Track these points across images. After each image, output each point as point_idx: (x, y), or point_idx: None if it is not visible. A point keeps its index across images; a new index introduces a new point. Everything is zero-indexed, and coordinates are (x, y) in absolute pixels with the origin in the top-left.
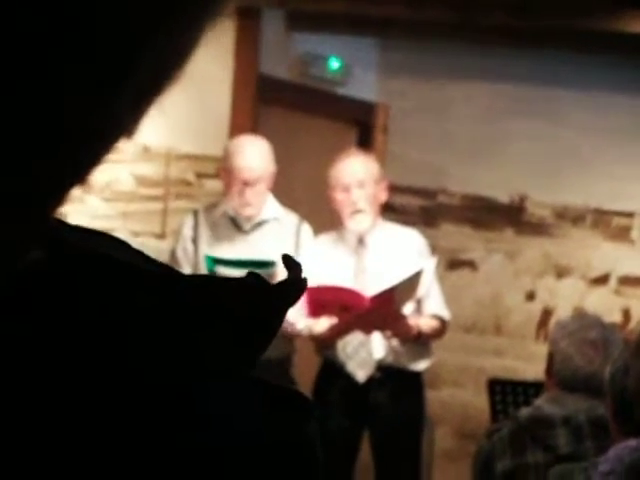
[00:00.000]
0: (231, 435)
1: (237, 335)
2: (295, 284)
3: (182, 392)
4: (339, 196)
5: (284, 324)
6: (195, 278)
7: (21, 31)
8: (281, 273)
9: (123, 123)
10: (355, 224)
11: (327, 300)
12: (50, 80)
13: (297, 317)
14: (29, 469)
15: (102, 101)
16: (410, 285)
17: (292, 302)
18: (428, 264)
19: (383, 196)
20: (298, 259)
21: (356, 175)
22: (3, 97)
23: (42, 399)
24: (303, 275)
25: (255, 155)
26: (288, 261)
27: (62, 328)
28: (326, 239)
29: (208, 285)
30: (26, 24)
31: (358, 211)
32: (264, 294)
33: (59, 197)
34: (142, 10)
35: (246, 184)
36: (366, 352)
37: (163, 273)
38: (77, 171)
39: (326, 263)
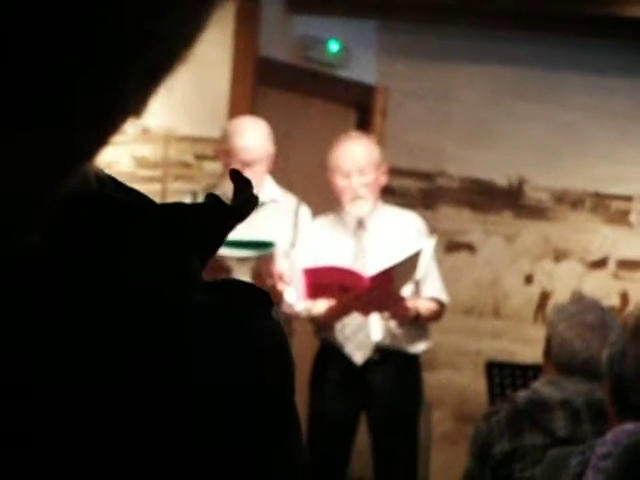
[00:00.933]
0: (220, 353)
1: (195, 247)
2: (246, 202)
3: (178, 311)
4: (339, 182)
5: (284, 305)
6: (162, 204)
7: (42, 15)
8: (280, 252)
9: (132, 102)
10: (355, 209)
11: (326, 281)
12: (65, 62)
13: (296, 299)
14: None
15: (112, 81)
16: (409, 265)
17: (242, 218)
18: (427, 244)
19: (383, 180)
20: (297, 240)
21: (357, 161)
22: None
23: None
24: (253, 193)
25: (254, 136)
26: (238, 181)
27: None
28: (325, 221)
29: (177, 210)
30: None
31: (358, 197)
32: (221, 211)
33: (69, 173)
34: None
35: (245, 165)
36: (364, 334)
37: (132, 200)
38: (87, 147)
39: (325, 245)
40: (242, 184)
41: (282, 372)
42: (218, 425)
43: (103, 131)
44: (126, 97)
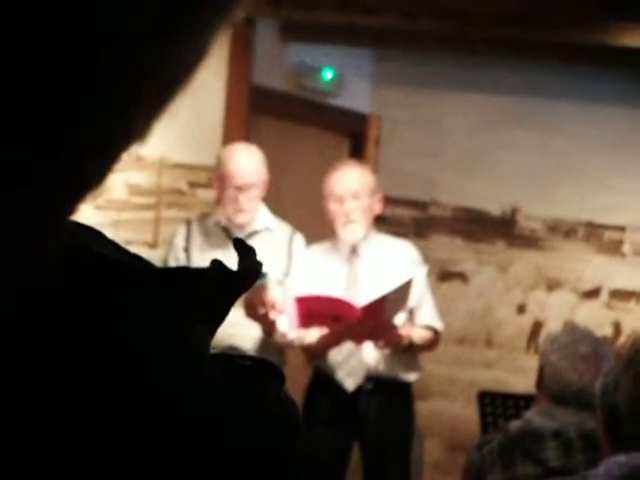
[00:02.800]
0: (220, 418)
1: (202, 315)
2: (250, 270)
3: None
4: (333, 206)
5: (276, 334)
6: (165, 269)
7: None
8: (273, 281)
9: (140, 129)
10: (348, 234)
11: (318, 310)
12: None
13: (288, 328)
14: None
15: (123, 108)
16: (400, 295)
17: (248, 286)
18: (418, 273)
19: (377, 208)
20: (291, 269)
21: (350, 186)
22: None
23: (41, 396)
24: (257, 260)
25: (248, 161)
26: (242, 248)
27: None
28: (319, 249)
29: (176, 275)
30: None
31: (351, 222)
32: (224, 279)
33: (75, 201)
34: (158, 21)
35: (239, 189)
36: (356, 361)
37: (138, 265)
38: (95, 175)
39: (318, 273)
40: (246, 251)
41: (284, 446)
42: None
43: (113, 159)
44: (136, 124)
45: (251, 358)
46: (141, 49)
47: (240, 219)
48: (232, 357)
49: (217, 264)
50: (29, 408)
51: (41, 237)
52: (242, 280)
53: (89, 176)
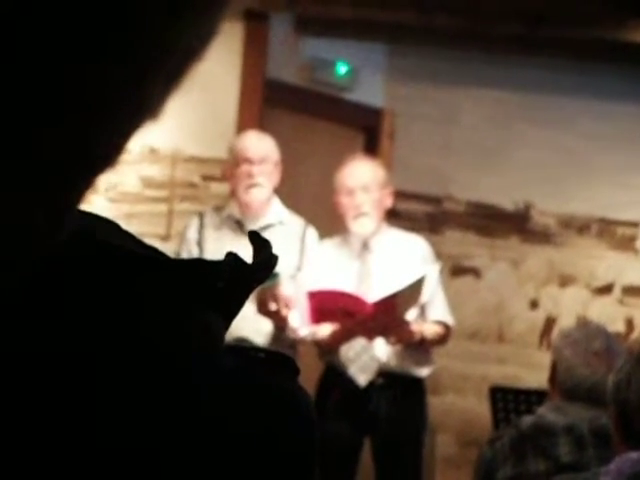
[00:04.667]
0: (231, 409)
1: (216, 307)
2: (265, 263)
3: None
4: (343, 199)
5: (288, 330)
6: (180, 260)
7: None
8: (286, 276)
9: (153, 107)
10: (358, 227)
11: (330, 305)
12: (101, 62)
13: (300, 323)
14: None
15: (143, 83)
16: (413, 291)
17: (262, 279)
18: (431, 270)
19: (388, 201)
20: (303, 263)
21: (361, 179)
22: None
23: (47, 387)
24: (272, 253)
25: (259, 137)
26: (257, 241)
27: (69, 317)
28: (331, 243)
29: (191, 267)
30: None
31: (362, 214)
32: (239, 272)
33: (83, 179)
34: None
35: (252, 163)
36: (368, 356)
37: (154, 256)
38: (102, 151)
39: (330, 267)
40: (261, 244)
41: (299, 439)
42: None
43: (120, 134)
44: (144, 99)
45: (265, 350)
46: (151, 24)
47: (253, 195)
48: (246, 349)
49: (232, 256)
50: (44, 394)
51: (49, 214)
52: (257, 273)
53: (96, 151)
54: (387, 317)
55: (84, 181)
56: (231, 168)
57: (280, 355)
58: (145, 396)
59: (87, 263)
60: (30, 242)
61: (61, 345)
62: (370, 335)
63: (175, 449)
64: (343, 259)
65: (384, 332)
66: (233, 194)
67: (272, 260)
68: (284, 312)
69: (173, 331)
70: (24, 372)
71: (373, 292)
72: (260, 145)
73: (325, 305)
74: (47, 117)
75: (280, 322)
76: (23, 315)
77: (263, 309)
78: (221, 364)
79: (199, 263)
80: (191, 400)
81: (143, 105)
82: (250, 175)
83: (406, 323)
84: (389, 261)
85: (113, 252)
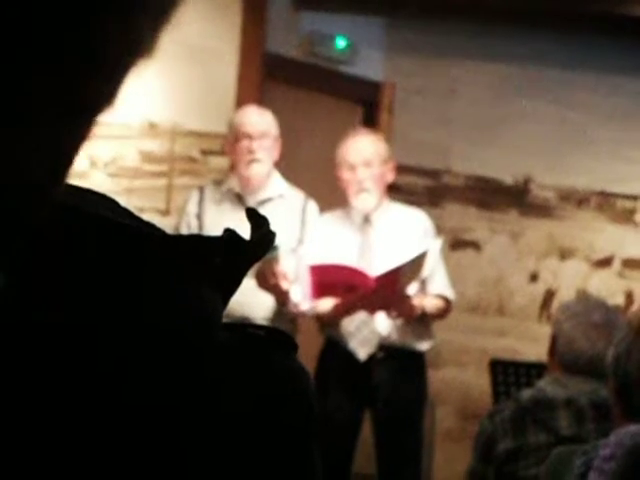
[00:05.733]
0: (235, 384)
1: (214, 283)
2: (263, 240)
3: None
4: (345, 175)
5: (289, 304)
6: (178, 236)
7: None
8: (286, 250)
9: (145, 40)
10: (360, 203)
11: (332, 279)
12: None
13: (302, 298)
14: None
15: (130, 18)
16: (415, 266)
17: (260, 255)
18: (433, 245)
19: (390, 176)
20: (304, 237)
21: (363, 154)
22: None
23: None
24: (270, 229)
25: (259, 113)
26: (254, 218)
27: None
28: (332, 217)
29: (189, 243)
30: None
31: (364, 190)
32: (237, 248)
33: (86, 121)
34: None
35: (251, 138)
36: (369, 330)
37: (152, 233)
38: (103, 87)
39: (331, 241)
40: (259, 220)
41: (298, 414)
42: (225, 459)
43: (119, 75)
44: (139, 39)
45: (264, 327)
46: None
47: (253, 171)
48: (244, 326)
49: (230, 233)
50: (48, 370)
51: (45, 159)
52: (255, 249)
53: (88, 89)
54: (389, 291)
55: (79, 124)
56: (231, 143)
57: (278, 332)
58: (142, 371)
59: (85, 239)
60: (29, 192)
61: (62, 317)
62: (371, 309)
63: (171, 420)
64: (344, 233)
65: (385, 306)
66: (233, 168)
67: (270, 236)
68: (284, 286)
69: (169, 306)
70: (28, 346)
71: (374, 266)
72: (260, 120)
73: (327, 279)
74: (45, 53)
75: (280, 296)
76: (26, 288)
77: (263, 283)
78: (218, 340)
79: (197, 239)
80: (187, 376)
81: (132, 41)
82: (250, 150)
83: (407, 297)
84: (390, 235)
85: (111, 228)
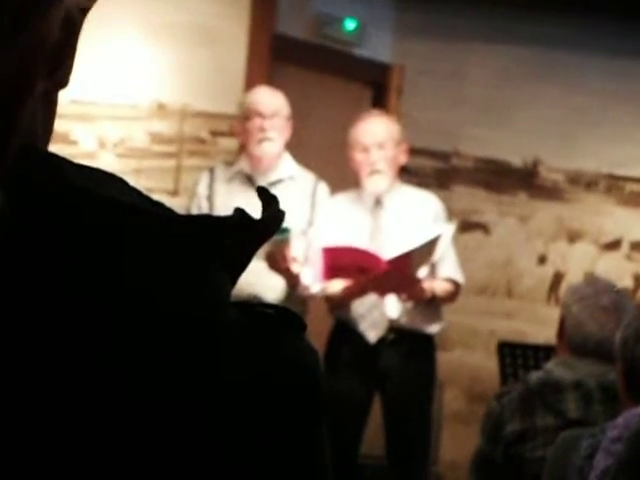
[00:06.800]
0: (247, 361)
1: (224, 262)
2: (273, 219)
3: (201, 324)
4: (358, 156)
5: (300, 287)
6: (188, 216)
7: None
8: (297, 231)
9: None
10: (372, 185)
11: (343, 262)
12: None
13: (312, 280)
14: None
15: None
16: (427, 249)
17: (270, 235)
18: (446, 229)
19: (403, 158)
20: (314, 218)
21: (376, 136)
22: None
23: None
24: (279, 209)
25: (270, 92)
26: (265, 197)
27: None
28: (343, 199)
29: (198, 223)
30: None
31: (376, 172)
32: (246, 228)
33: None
34: None
35: (263, 117)
36: (379, 313)
37: (158, 212)
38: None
39: (342, 223)
40: (269, 200)
41: (307, 394)
42: (227, 435)
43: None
44: None
45: (273, 306)
46: None
47: (265, 149)
48: (253, 305)
49: (239, 212)
50: (51, 348)
51: None
52: (264, 228)
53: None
54: (400, 274)
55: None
56: (242, 123)
57: (287, 311)
58: (151, 352)
59: (95, 219)
60: None
61: (68, 292)
62: (382, 292)
63: (177, 399)
64: (355, 215)
65: (396, 289)
66: (243, 149)
67: (280, 216)
68: (295, 269)
69: (178, 287)
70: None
71: (385, 248)
72: (272, 100)
73: (339, 261)
74: None
75: (291, 279)
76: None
77: (273, 264)
78: (227, 319)
79: (206, 219)
80: (196, 356)
81: None
82: (262, 129)
83: (418, 280)
84: (401, 218)
85: (121, 209)
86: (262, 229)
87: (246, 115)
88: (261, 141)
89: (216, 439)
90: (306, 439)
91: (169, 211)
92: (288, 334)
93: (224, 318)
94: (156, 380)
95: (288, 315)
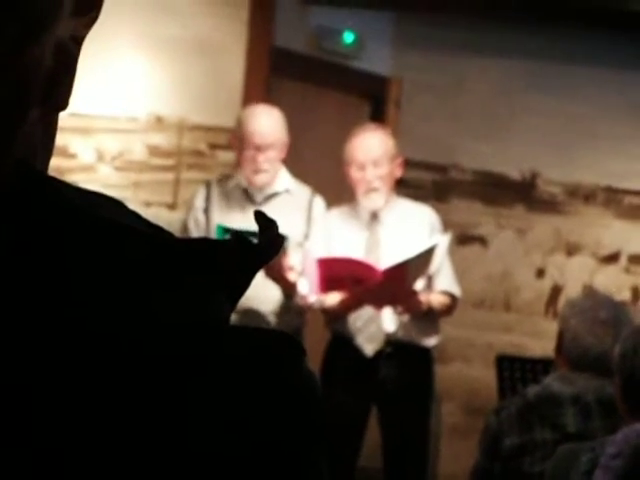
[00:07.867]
0: (243, 383)
1: (222, 287)
2: (271, 244)
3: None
4: (354, 174)
5: (296, 297)
6: (186, 240)
7: None
8: (293, 244)
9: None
10: (369, 202)
11: (339, 272)
12: None
13: (309, 290)
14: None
15: None
16: (423, 261)
17: (268, 260)
18: (442, 240)
19: (398, 172)
20: (310, 232)
21: (371, 153)
22: None
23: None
24: (278, 233)
25: (268, 121)
26: (262, 221)
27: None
28: (339, 213)
29: (197, 247)
30: None
31: (373, 190)
32: (245, 252)
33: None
34: None
35: (258, 149)
36: (376, 326)
37: (157, 235)
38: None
39: (338, 237)
40: (266, 223)
41: (305, 424)
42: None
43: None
44: None
45: (272, 332)
46: None
47: (258, 180)
48: (252, 330)
49: (237, 236)
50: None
51: None
52: (263, 253)
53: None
54: (396, 285)
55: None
56: (238, 143)
57: (287, 336)
58: (146, 374)
59: (92, 241)
60: None
61: (67, 315)
62: (378, 304)
63: (175, 425)
64: (352, 229)
65: (392, 301)
66: (240, 164)
67: (279, 239)
68: (292, 278)
69: (176, 312)
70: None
71: (382, 262)
72: (269, 130)
73: (334, 272)
74: None
75: (288, 288)
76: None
77: (270, 273)
78: (225, 345)
79: (206, 244)
80: (193, 380)
81: None
82: (255, 161)
83: (414, 293)
84: (398, 231)
85: (119, 232)
86: (261, 253)
87: (241, 140)
88: (255, 172)
89: (211, 464)
90: (303, 464)
91: (168, 234)
92: (287, 362)
93: (223, 346)
94: (151, 404)
95: (287, 340)
